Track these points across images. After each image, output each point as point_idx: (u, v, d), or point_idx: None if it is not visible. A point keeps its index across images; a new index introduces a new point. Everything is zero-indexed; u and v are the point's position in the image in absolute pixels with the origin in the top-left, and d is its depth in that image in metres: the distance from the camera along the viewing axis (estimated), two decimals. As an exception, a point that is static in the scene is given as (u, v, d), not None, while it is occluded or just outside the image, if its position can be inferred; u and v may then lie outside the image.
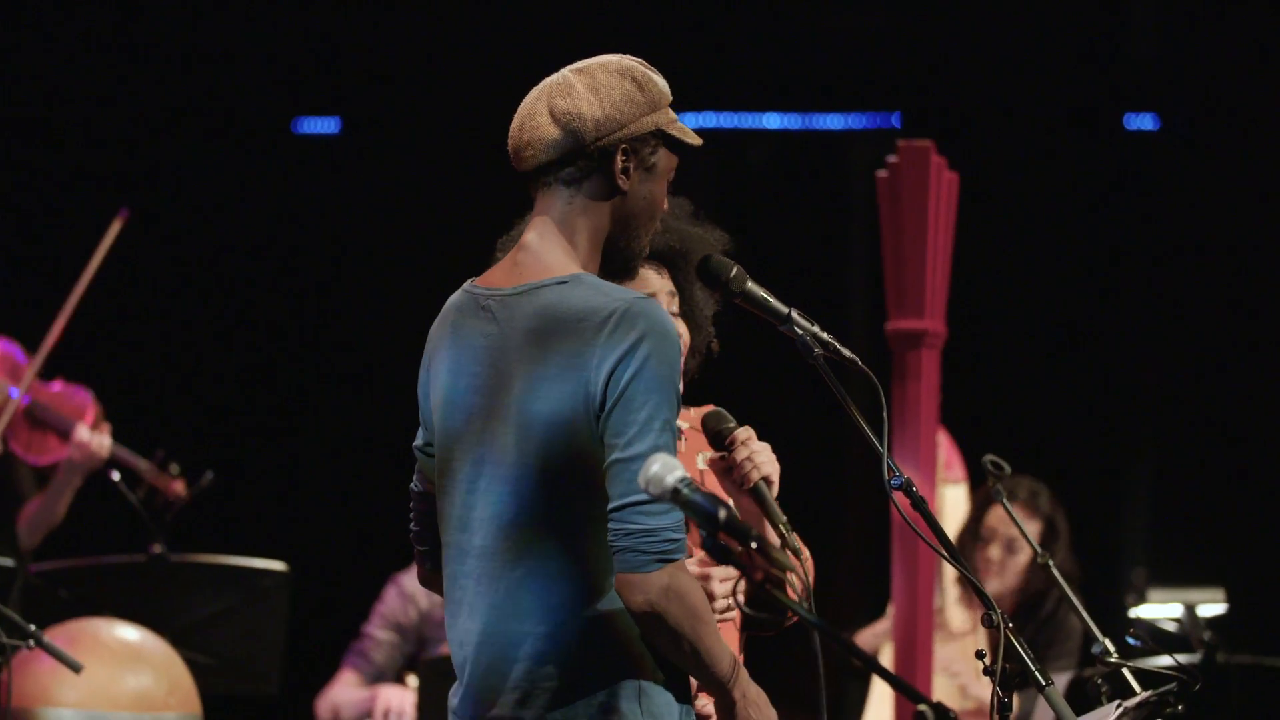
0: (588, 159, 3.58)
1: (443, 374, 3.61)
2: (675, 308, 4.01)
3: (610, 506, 3.42)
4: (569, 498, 3.47)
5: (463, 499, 3.56)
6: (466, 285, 3.66)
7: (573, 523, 3.47)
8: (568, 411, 3.44)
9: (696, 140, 3.65)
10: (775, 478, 3.91)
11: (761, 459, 3.90)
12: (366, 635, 7.08)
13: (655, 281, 4.01)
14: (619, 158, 3.58)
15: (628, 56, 3.65)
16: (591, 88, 3.58)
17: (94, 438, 6.59)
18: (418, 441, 3.72)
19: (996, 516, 6.66)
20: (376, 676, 7.07)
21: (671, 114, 3.64)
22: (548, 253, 3.58)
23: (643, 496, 3.35)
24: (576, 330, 3.46)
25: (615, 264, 3.66)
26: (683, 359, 3.53)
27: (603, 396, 3.42)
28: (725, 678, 3.51)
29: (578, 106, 3.57)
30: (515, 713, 3.50)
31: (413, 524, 3.79)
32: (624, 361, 3.41)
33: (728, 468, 3.92)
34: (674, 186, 3.74)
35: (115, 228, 6.71)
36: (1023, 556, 6.63)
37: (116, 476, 6.53)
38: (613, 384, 3.42)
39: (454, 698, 3.60)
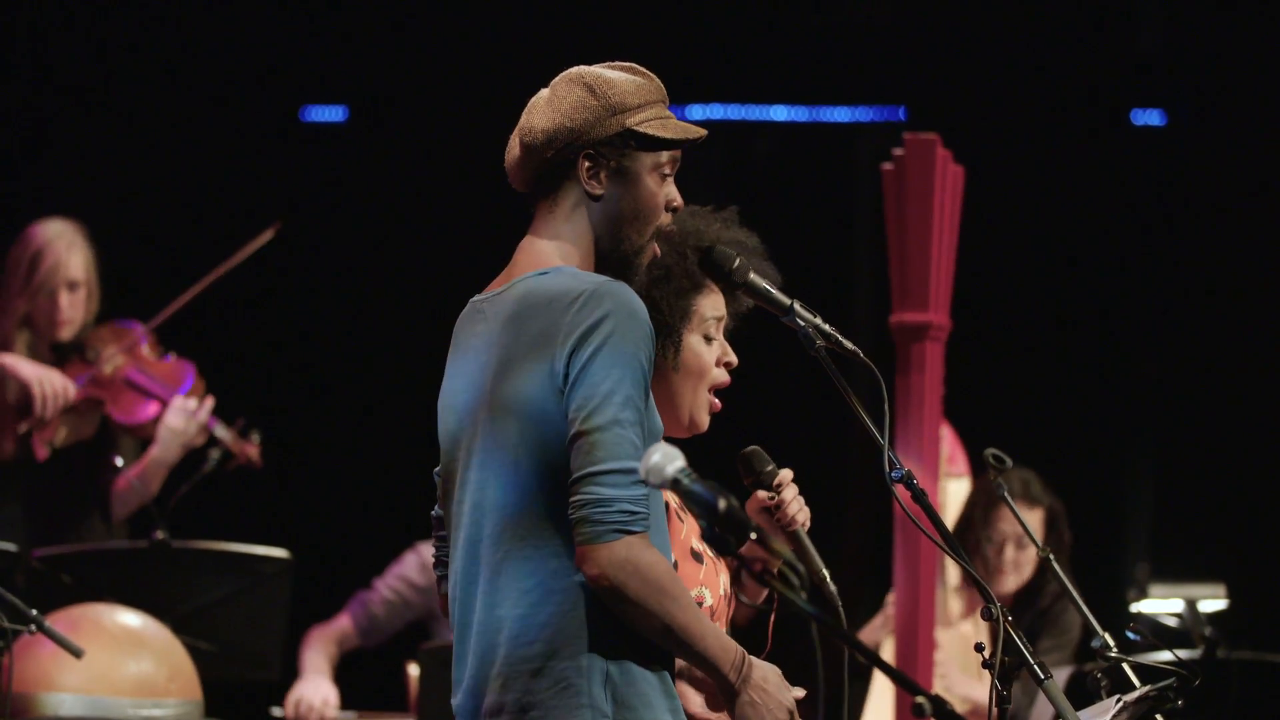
0: (550, 170, 3.55)
1: (445, 383, 3.60)
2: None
3: (570, 480, 3.36)
4: (540, 479, 3.41)
5: (460, 493, 3.52)
6: (471, 300, 3.63)
7: (545, 505, 3.41)
8: (537, 390, 3.41)
9: (681, 134, 3.57)
10: (808, 525, 3.88)
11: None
12: (375, 588, 7.10)
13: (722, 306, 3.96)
14: (583, 164, 3.54)
15: (607, 64, 3.59)
16: (550, 100, 3.55)
17: (192, 405, 6.66)
18: (438, 469, 3.66)
19: (1007, 516, 6.59)
20: (371, 630, 7.08)
21: (653, 111, 3.55)
22: (537, 254, 3.56)
23: (601, 468, 3.33)
24: (547, 310, 3.43)
25: (611, 265, 3.59)
26: (654, 345, 3.48)
27: (566, 371, 3.38)
28: (714, 657, 3.40)
29: (531, 121, 3.55)
30: (500, 698, 3.44)
31: (434, 550, 3.75)
32: (588, 338, 3.38)
33: (769, 509, 3.87)
34: (681, 178, 3.69)
35: (266, 236, 6.84)
36: (1033, 550, 6.61)
37: (120, 463, 6.56)
38: (575, 359, 3.38)
39: (455, 695, 3.55)
